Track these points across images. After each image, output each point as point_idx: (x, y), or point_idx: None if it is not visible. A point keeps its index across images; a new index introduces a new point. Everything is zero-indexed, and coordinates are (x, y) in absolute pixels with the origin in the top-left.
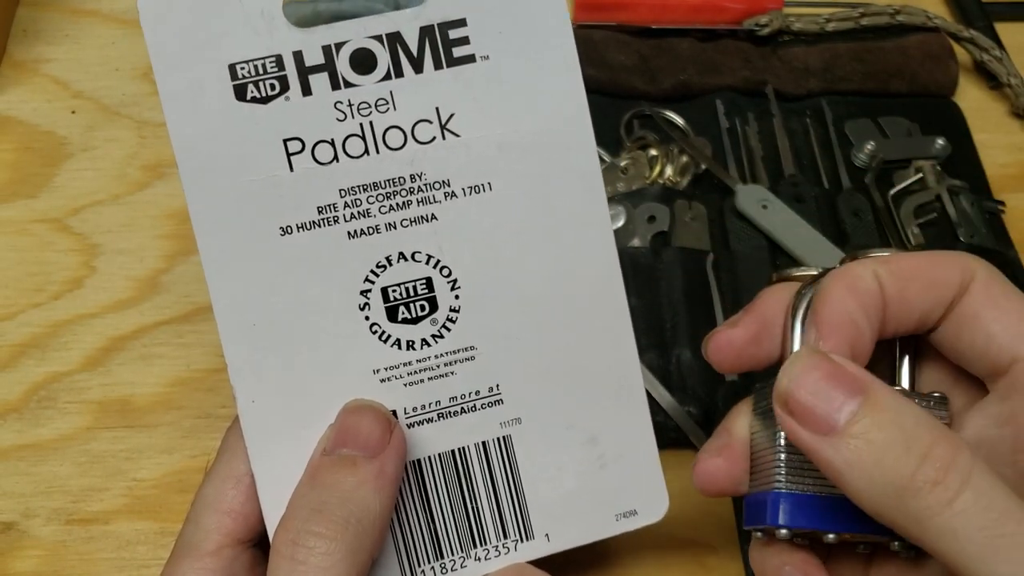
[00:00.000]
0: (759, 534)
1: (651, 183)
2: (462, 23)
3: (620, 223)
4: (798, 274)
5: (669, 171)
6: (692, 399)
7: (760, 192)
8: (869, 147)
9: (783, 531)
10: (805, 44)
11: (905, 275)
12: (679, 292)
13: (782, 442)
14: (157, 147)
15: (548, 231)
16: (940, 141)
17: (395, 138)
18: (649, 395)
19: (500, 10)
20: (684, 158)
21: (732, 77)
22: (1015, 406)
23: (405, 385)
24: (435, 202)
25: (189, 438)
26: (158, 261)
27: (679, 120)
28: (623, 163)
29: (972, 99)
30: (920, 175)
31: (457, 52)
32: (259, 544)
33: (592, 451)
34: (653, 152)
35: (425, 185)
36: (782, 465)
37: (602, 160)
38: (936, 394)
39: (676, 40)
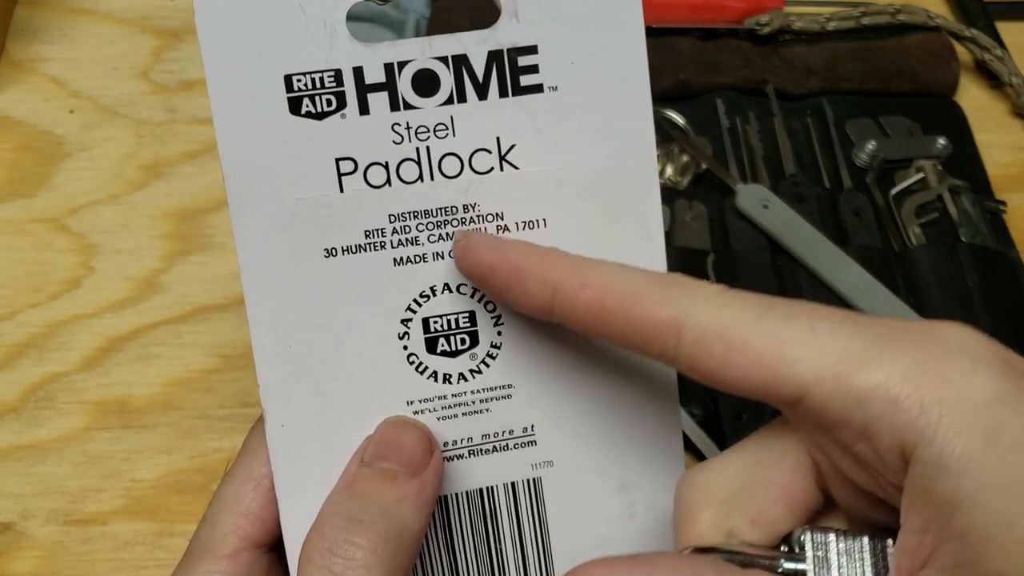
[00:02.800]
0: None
1: None
2: (533, 50)
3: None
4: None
5: (670, 171)
6: (693, 399)
7: (761, 192)
8: (870, 147)
9: None
10: (806, 43)
11: (589, 311)
12: None
13: None
14: (155, 147)
15: None
16: (941, 141)
17: (451, 166)
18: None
19: (575, 40)
20: (684, 158)
21: (733, 76)
22: (838, 439)
23: (438, 419)
24: None
25: (187, 439)
26: (156, 261)
27: (679, 119)
28: None
29: (973, 98)
30: (921, 175)
31: (525, 80)
32: (276, 548)
33: (623, 500)
34: None
35: (478, 216)
36: None
37: None
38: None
39: (676, 39)
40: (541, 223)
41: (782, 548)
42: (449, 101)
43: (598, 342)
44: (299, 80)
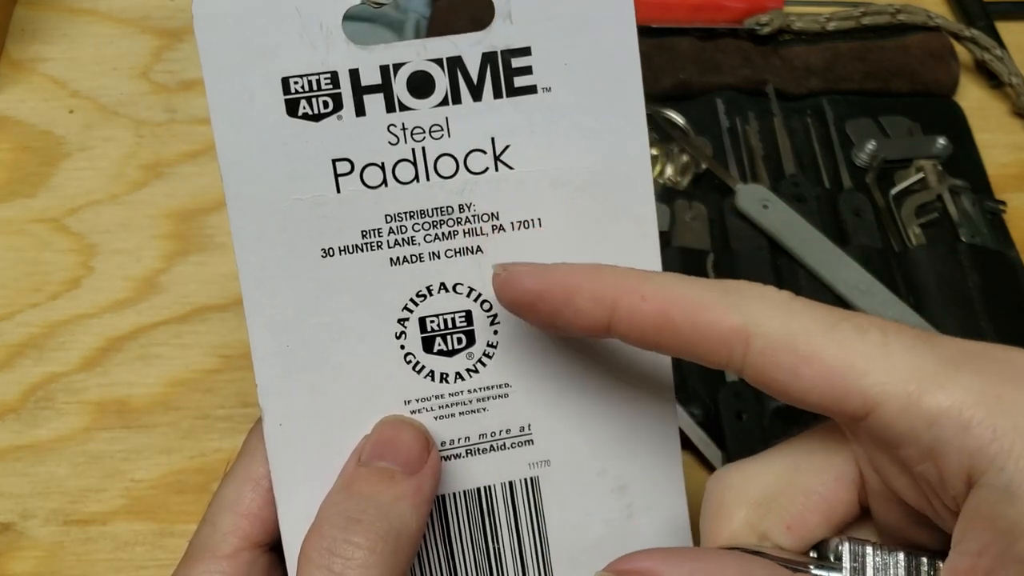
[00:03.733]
0: None
1: None
2: (526, 52)
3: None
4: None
5: (669, 171)
6: (693, 400)
7: (761, 192)
8: (870, 146)
9: None
10: (806, 43)
11: (656, 323)
12: None
13: None
14: (155, 147)
15: None
16: (941, 141)
17: (447, 166)
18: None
19: (568, 42)
20: (684, 157)
21: (732, 76)
22: (898, 458)
23: (436, 418)
24: (482, 234)
25: (187, 439)
26: (156, 261)
27: (679, 119)
28: None
29: (973, 98)
30: (921, 175)
31: (519, 82)
32: (275, 548)
33: (621, 499)
34: (653, 151)
35: (473, 216)
36: None
37: None
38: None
39: (676, 39)
40: (536, 222)
41: (811, 555)
42: (444, 102)
43: (594, 342)
44: (296, 82)
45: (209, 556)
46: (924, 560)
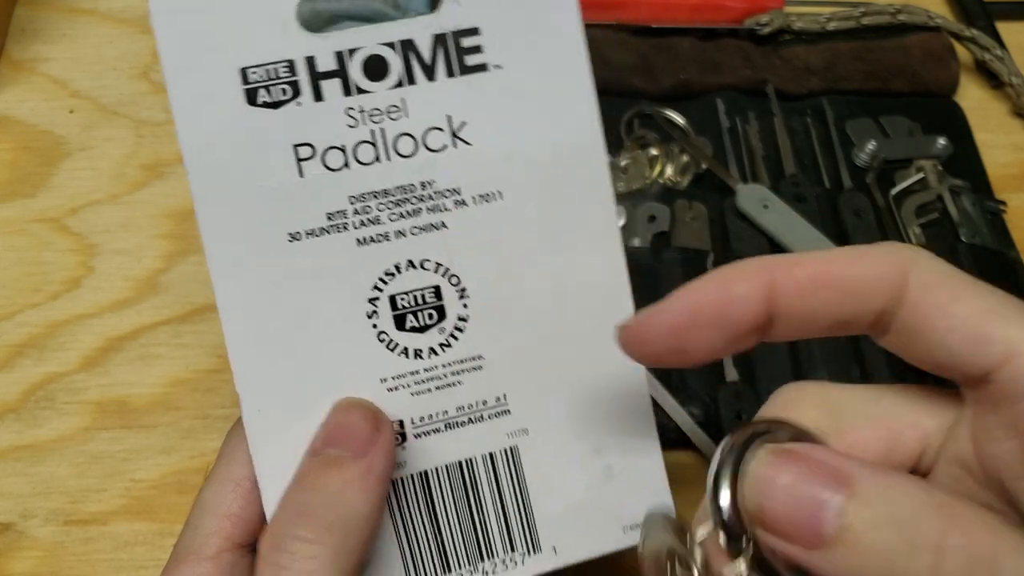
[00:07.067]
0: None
1: (651, 183)
2: (475, 32)
3: (620, 223)
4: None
5: (669, 171)
6: (693, 399)
7: (761, 192)
8: (870, 147)
9: None
10: (806, 43)
11: (815, 281)
12: None
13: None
14: (155, 146)
15: (558, 241)
16: (941, 141)
17: (406, 145)
18: (650, 396)
19: (513, 20)
20: (685, 157)
21: (733, 76)
22: (1016, 416)
23: (412, 394)
24: (445, 210)
25: (188, 439)
26: (156, 261)
27: (680, 119)
28: (623, 163)
29: (973, 98)
30: (921, 175)
31: (470, 60)
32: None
33: (599, 462)
34: (653, 152)
35: (435, 193)
36: None
37: None
38: None
39: (677, 39)
40: (498, 195)
41: None
42: (399, 84)
43: (562, 309)
44: (254, 72)
45: (193, 559)
46: None
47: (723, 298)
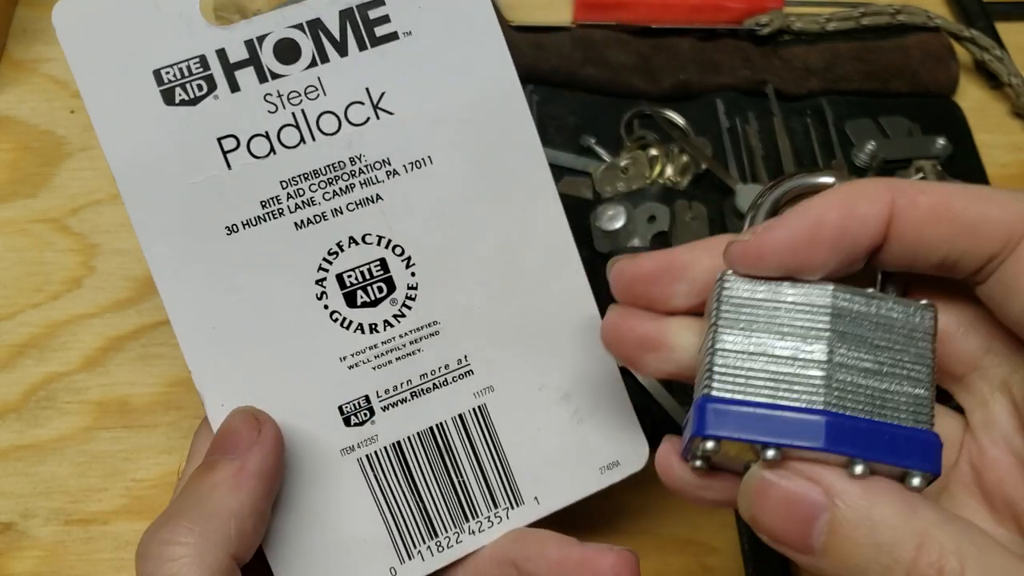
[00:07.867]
0: (698, 463)
1: (651, 183)
2: (380, 2)
3: (620, 223)
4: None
5: (669, 171)
6: (693, 399)
7: None
8: (870, 147)
9: (710, 444)
10: (806, 44)
11: (935, 212)
12: None
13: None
14: None
15: (494, 198)
16: (941, 141)
17: (329, 123)
18: (649, 395)
19: None
20: (684, 158)
21: (732, 77)
22: None
23: (374, 368)
24: (378, 182)
25: (188, 438)
26: None
27: (679, 120)
28: (623, 163)
29: (973, 99)
30: (921, 175)
31: (379, 31)
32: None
33: (567, 408)
34: (653, 152)
35: (366, 167)
36: (712, 368)
37: (602, 160)
38: (923, 302)
39: (676, 39)
40: (428, 160)
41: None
42: (313, 63)
43: (508, 263)
44: (167, 72)
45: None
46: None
47: (846, 216)
